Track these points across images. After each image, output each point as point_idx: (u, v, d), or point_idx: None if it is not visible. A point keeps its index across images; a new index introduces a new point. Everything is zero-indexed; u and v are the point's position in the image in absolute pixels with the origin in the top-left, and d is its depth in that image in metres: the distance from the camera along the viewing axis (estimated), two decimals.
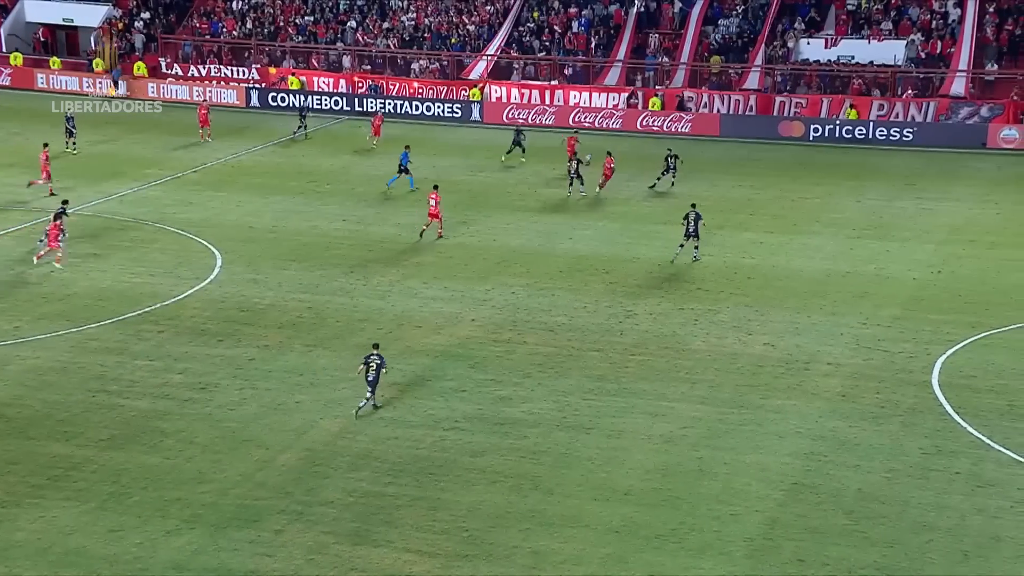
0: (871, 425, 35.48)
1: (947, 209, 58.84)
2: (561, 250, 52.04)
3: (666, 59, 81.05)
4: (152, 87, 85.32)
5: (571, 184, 60.24)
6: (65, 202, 52.33)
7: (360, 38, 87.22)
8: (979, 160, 68.77)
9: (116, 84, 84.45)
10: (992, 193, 61.86)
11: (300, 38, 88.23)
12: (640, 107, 77.57)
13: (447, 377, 38.68)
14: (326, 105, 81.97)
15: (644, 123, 76.30)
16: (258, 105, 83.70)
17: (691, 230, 49.37)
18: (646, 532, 29.79)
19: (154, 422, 35.54)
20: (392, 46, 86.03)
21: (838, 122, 73.63)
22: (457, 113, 79.89)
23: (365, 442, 34.37)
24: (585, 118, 77.20)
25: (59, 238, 48.33)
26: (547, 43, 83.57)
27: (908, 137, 72.28)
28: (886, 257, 51.12)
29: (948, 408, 36.57)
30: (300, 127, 73.89)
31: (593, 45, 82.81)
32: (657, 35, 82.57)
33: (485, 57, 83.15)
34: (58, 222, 48.73)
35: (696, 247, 49.74)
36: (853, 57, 77.36)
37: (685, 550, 29.02)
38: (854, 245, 52.86)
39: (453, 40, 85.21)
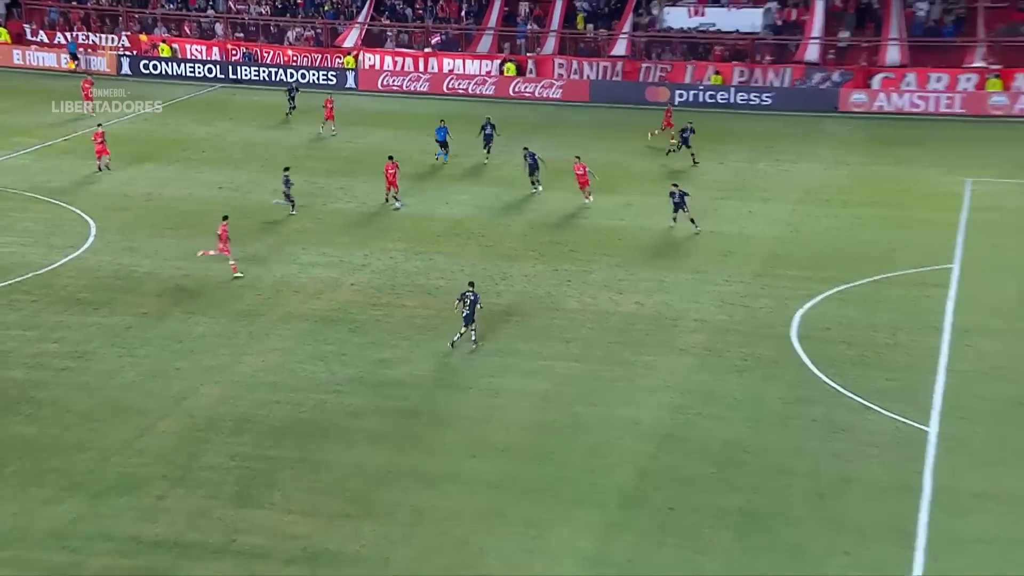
0: (735, 378, 36.05)
1: (803, 170, 59.65)
2: (438, 215, 51.96)
3: (536, 27, 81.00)
4: (17, 54, 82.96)
5: (674, 148, 61.27)
6: (287, 169, 51.76)
7: (232, 5, 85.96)
8: (832, 123, 69.83)
9: (74, 57, 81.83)
10: (844, 155, 62.81)
11: (171, 5, 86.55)
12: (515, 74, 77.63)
13: (327, 341, 38.51)
14: (199, 73, 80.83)
15: (516, 89, 76.38)
16: (129, 73, 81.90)
17: (677, 202, 49.10)
18: (523, 486, 30.05)
19: (30, 392, 35.00)
20: (265, 13, 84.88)
21: (702, 87, 74.22)
22: (332, 80, 79.04)
23: (246, 407, 34.15)
24: (459, 85, 77.07)
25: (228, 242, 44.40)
26: (420, 11, 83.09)
27: (767, 102, 73.18)
28: (748, 217, 51.78)
29: (805, 359, 37.23)
30: (290, 105, 70.45)
31: (464, 13, 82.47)
32: (527, 3, 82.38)
33: (358, 25, 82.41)
34: (226, 222, 44.41)
35: (691, 219, 49.26)
36: (715, 24, 77.95)
37: (561, 502, 29.30)
38: (718, 206, 53.35)
39: (326, 8, 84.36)
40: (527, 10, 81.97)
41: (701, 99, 73.82)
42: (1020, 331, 39.61)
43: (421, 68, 78.80)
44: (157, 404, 34.29)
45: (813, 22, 76.44)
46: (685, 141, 59.82)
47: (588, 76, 77.06)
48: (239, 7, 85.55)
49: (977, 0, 75.55)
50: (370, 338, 38.80)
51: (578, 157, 53.39)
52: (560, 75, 77.25)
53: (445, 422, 33.36)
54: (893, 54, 74.30)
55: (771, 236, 49.12)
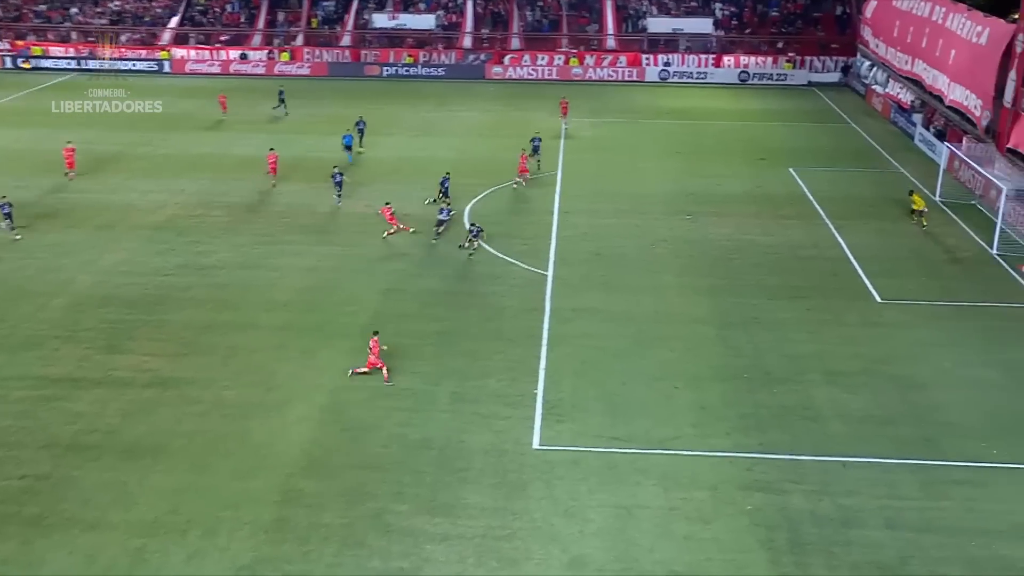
0: (431, 249, 35.90)
1: (465, 116, 59.28)
2: (233, 153, 49.45)
3: (291, 28, 77.52)
4: None
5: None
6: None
7: (82, 18, 78.92)
8: (481, 86, 69.33)
9: (26, 60, 72.31)
10: (490, 106, 62.51)
11: (38, 20, 78.95)
12: (277, 59, 74.10)
13: (162, 242, 36.60)
14: (60, 66, 73.77)
15: (279, 69, 73.04)
16: (12, 67, 74.32)
17: (444, 190, 40.99)
18: (300, 327, 29.59)
19: None
20: (104, 24, 78.24)
21: (400, 65, 72.85)
22: (155, 68, 73.71)
23: (109, 288, 32.31)
24: (241, 68, 73.20)
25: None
26: (211, 19, 78.33)
27: (442, 73, 72.26)
28: (434, 145, 51.26)
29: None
30: (280, 105, 59.13)
31: (242, 20, 78.20)
32: (284, 12, 78.62)
33: (170, 30, 77.14)
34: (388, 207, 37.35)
35: (448, 203, 39.51)
36: (406, 24, 76.20)
37: (326, 335, 29.02)
38: (415, 140, 52.69)
39: (147, 18, 78.50)
40: (284, 17, 78.35)
41: (400, 73, 72.39)
42: (594, 211, 40.85)
43: (214, 57, 74.35)
44: (50, 288, 32.18)
45: (466, 22, 76.03)
46: (535, 149, 46.76)
47: (327, 59, 74.29)
48: (86, 20, 78.46)
49: (561, 10, 76.52)
50: (191, 238, 37.06)
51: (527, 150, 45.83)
52: (308, 59, 74.31)
53: (244, 289, 32.34)
54: (516, 43, 74.61)
55: (449, 158, 48.73)
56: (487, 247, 35.99)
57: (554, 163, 47.91)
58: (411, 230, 37.23)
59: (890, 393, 26.16)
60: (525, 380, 26.40)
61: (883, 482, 22.32)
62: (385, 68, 72.87)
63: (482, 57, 73.47)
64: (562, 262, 34.88)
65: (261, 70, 73.25)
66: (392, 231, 37.08)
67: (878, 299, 32.21)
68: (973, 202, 42.02)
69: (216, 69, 73.30)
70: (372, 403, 25.27)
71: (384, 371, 26.36)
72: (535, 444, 23.62)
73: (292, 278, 33.24)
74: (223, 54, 74.66)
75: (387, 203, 38.14)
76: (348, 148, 48.41)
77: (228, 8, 79.36)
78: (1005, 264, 35.40)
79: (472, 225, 36.50)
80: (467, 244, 35.64)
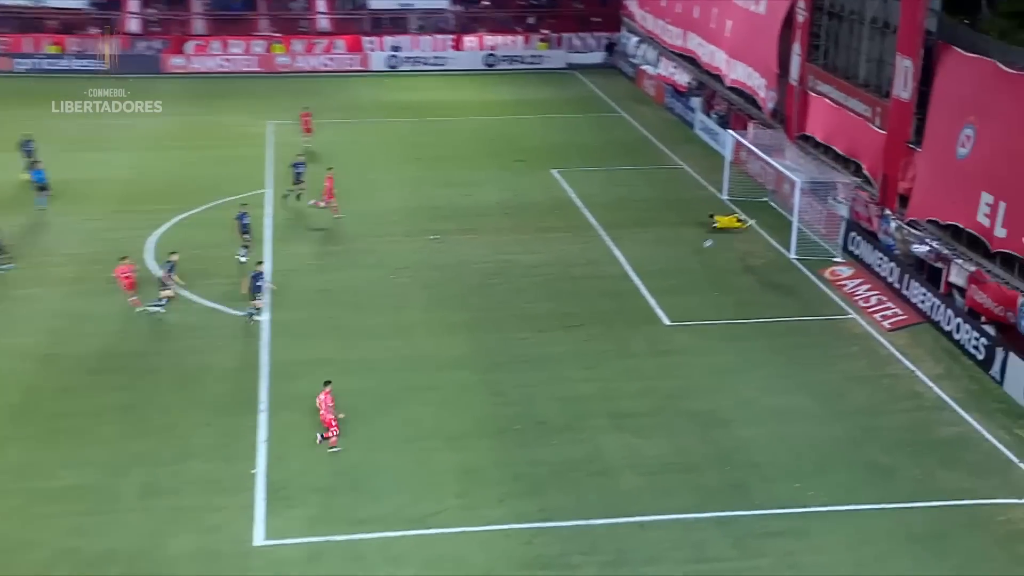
0: (103, 299, 34.32)
1: (141, 123, 56.96)
2: None
3: None
4: None
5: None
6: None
7: None
8: (158, 83, 66.96)
9: None
10: (172, 108, 60.18)
11: None
12: None
13: None
14: None
15: None
16: None
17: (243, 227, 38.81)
18: None
19: None
20: None
21: (42, 56, 69.78)
22: None
23: None
24: None
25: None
26: None
27: (101, 66, 69.73)
28: (103, 163, 49.38)
29: (153, 267, 35.95)
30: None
31: None
32: None
33: None
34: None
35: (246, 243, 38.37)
36: (46, 3, 72.89)
37: None
38: (77, 156, 50.09)
39: None
40: None
41: (43, 67, 69.24)
42: (316, 237, 40.69)
43: None
44: None
45: (129, 0, 73.76)
46: (298, 176, 43.88)
47: None
48: None
49: None
50: None
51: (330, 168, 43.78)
52: None
53: None
54: (200, 26, 73.67)
55: (120, 179, 47.19)
56: (194, 292, 34.87)
57: (260, 179, 47.19)
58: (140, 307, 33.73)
59: (689, 434, 27.33)
60: (240, 458, 25.73)
61: (689, 543, 23.20)
62: (19, 60, 69.83)
63: (156, 45, 71.88)
64: (280, 304, 34.34)
65: None
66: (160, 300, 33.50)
67: (666, 322, 33.73)
68: (765, 198, 44.96)
69: None
70: (26, 510, 23.80)
71: (331, 433, 26.13)
72: (258, 540, 23.04)
73: None
74: None
75: (123, 258, 34.43)
76: (43, 189, 43.64)
77: None
78: (805, 269, 38.04)
79: (257, 266, 34.08)
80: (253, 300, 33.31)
